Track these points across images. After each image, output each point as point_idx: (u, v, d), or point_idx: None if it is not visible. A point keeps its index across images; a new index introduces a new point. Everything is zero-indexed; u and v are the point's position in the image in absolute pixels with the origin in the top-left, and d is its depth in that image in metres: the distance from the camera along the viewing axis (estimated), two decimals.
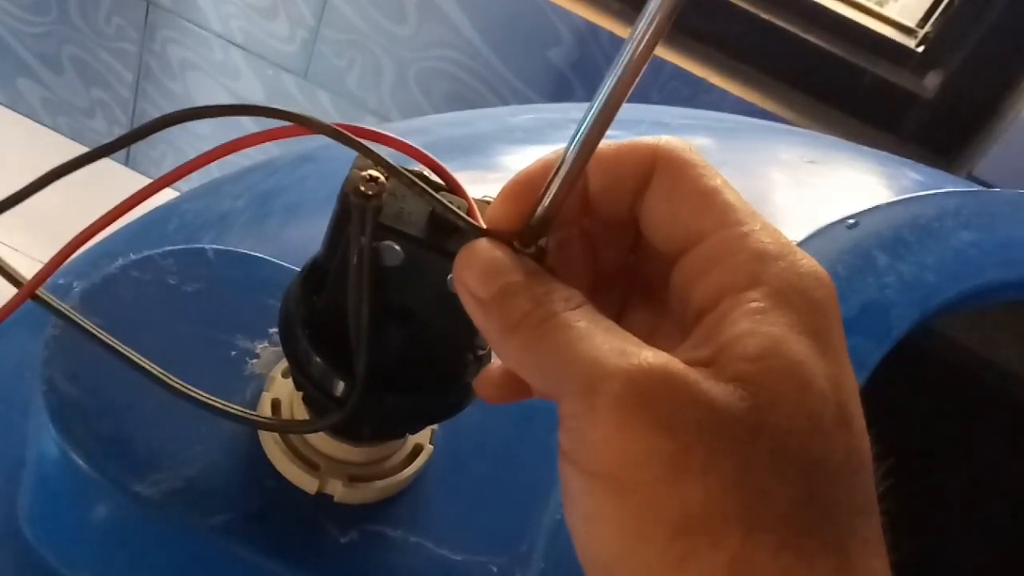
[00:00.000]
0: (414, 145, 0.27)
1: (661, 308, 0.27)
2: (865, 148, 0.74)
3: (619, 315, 0.28)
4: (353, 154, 0.27)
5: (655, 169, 0.26)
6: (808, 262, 0.24)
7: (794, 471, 0.22)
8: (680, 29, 1.18)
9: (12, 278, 0.29)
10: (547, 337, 0.23)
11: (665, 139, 0.26)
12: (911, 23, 1.16)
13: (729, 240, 0.24)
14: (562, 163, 0.25)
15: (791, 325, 0.23)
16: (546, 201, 0.25)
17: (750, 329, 0.23)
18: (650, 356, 0.22)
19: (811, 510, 0.22)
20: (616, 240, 0.28)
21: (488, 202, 0.27)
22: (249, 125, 1.44)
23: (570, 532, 0.24)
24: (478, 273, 0.25)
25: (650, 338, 0.24)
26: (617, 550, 0.22)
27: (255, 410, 0.33)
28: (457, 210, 0.26)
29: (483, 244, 0.25)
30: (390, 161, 0.26)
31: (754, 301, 0.23)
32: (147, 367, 0.30)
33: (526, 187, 0.26)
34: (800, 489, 0.21)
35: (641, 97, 1.21)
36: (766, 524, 0.21)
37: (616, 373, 0.22)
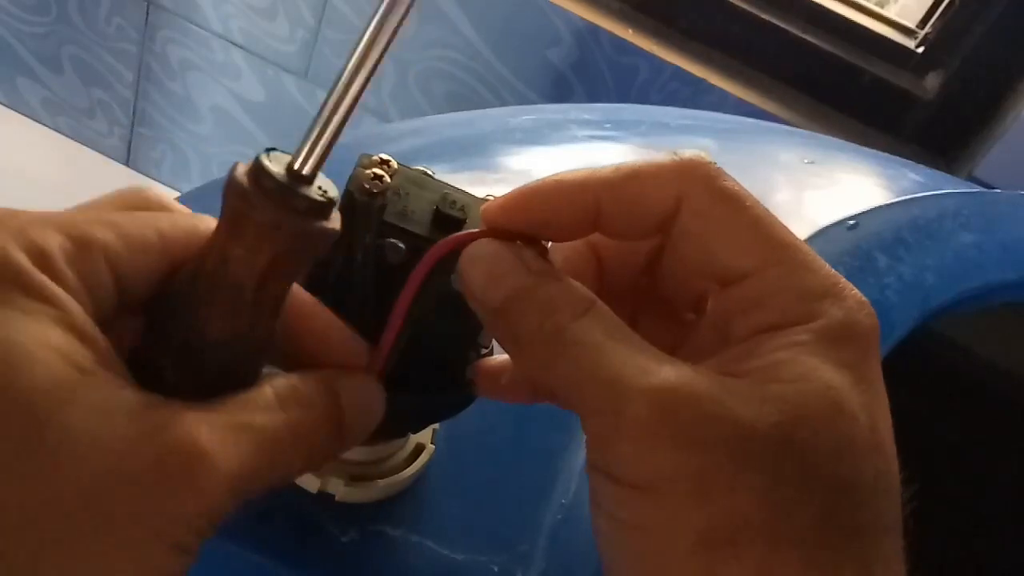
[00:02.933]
0: None
1: (679, 320, 0.27)
2: (865, 149, 0.74)
3: (632, 323, 0.28)
4: (355, 155, 0.27)
5: (686, 197, 0.25)
6: (852, 294, 0.24)
7: (821, 488, 0.22)
8: (680, 29, 1.18)
9: None
10: (559, 356, 0.23)
11: (692, 163, 0.25)
12: (911, 23, 1.16)
13: (774, 281, 0.24)
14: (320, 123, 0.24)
15: (829, 357, 0.23)
16: (307, 161, 0.24)
17: (788, 358, 0.23)
18: (672, 374, 0.22)
19: (837, 527, 0.22)
20: (629, 259, 0.28)
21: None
22: (252, 127, 1.45)
23: (594, 533, 0.24)
24: (484, 277, 0.25)
25: (668, 350, 0.24)
26: (641, 556, 0.22)
27: None
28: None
29: (485, 244, 0.25)
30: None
31: (797, 335, 0.23)
32: None
33: (532, 199, 0.25)
34: (827, 506, 0.22)
35: (641, 97, 1.21)
36: (791, 539, 0.21)
37: (639, 394, 0.22)
